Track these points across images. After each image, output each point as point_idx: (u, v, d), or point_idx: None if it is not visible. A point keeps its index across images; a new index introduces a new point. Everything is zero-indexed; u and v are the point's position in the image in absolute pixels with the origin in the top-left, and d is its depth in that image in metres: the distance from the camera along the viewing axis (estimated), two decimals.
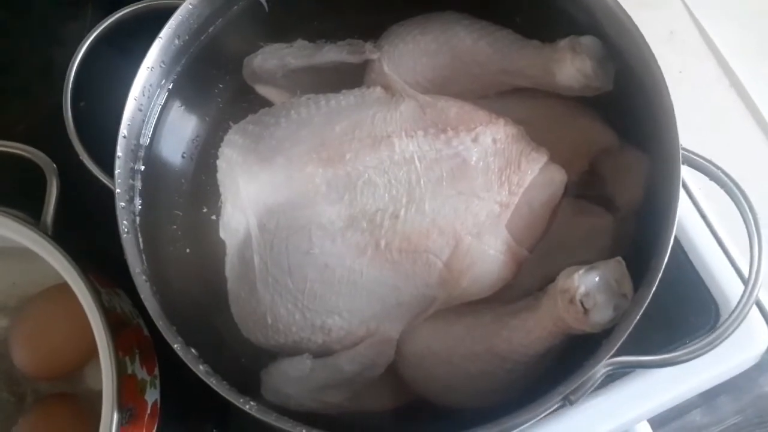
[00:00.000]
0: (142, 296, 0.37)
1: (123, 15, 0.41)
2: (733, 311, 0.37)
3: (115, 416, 0.39)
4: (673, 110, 0.37)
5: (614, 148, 0.43)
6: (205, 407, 0.48)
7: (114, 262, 0.48)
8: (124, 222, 0.38)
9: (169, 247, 0.43)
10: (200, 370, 0.36)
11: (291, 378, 0.41)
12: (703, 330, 0.51)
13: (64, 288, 0.47)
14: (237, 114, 0.46)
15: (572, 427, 0.46)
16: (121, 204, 0.38)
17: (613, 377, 0.47)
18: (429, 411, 0.42)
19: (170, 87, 0.43)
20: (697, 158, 0.38)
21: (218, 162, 0.45)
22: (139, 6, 0.41)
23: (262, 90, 0.48)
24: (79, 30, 0.60)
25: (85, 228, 0.50)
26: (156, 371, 0.48)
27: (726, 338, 0.36)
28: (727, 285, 0.50)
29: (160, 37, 0.40)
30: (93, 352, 0.50)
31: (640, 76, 0.40)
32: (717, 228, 0.53)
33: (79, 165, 0.45)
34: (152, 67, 0.41)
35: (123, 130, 0.39)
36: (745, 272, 0.51)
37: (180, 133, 0.46)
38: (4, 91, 0.61)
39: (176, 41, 0.41)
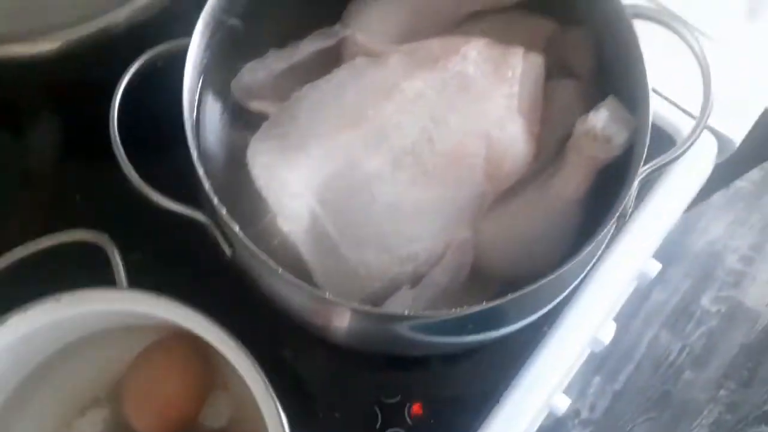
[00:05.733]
0: None
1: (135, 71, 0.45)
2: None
3: None
4: None
5: (557, 31, 0.53)
6: None
7: None
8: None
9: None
10: None
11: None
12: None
13: (173, 340, 0.50)
14: (242, 134, 0.52)
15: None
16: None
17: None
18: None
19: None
20: (635, 6, 0.48)
21: (253, 172, 0.50)
22: (151, 54, 0.46)
23: (257, 105, 0.53)
24: None
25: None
26: None
27: (708, 116, 0.46)
28: (675, 119, 0.62)
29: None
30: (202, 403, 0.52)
31: None
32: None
33: None
34: (191, 93, 0.46)
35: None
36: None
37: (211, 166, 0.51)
38: None
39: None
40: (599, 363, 1.33)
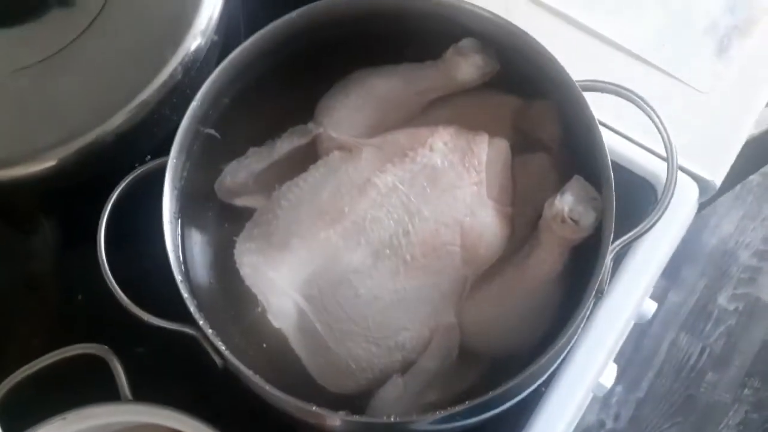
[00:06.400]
0: None
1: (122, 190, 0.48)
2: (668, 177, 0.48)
3: None
4: (550, 54, 0.48)
5: (522, 107, 0.55)
6: None
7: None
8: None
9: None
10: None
11: (392, 401, 0.49)
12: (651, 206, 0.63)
13: None
14: (229, 232, 0.54)
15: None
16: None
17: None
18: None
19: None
20: (587, 82, 0.49)
21: (242, 272, 0.52)
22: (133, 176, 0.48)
23: (241, 201, 0.55)
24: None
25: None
26: None
27: (674, 191, 0.47)
28: (653, 166, 0.63)
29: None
30: None
31: (513, 44, 0.52)
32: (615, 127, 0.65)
33: None
34: (171, 221, 0.48)
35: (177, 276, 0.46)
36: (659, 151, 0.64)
37: (199, 266, 0.53)
38: None
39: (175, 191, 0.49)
40: (620, 372, 1.33)
